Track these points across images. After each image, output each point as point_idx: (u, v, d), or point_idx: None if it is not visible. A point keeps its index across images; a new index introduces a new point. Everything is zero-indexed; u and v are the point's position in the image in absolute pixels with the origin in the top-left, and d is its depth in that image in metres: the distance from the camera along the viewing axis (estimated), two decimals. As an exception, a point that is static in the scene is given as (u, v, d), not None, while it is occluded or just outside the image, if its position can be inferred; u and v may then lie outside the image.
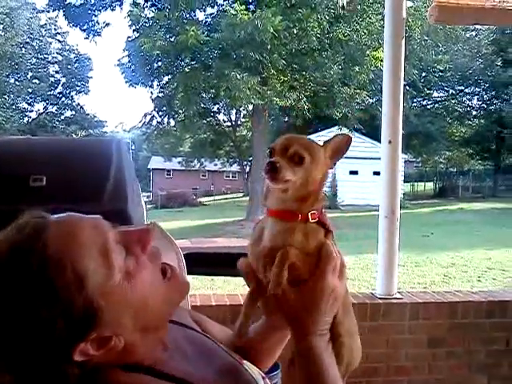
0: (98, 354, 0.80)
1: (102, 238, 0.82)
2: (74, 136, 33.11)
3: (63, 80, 36.21)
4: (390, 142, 2.91)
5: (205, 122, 25.34)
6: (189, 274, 1.53)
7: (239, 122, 31.56)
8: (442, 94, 34.87)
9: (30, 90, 33.61)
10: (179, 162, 37.57)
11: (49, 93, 35.25)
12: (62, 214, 0.85)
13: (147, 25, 19.61)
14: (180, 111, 22.08)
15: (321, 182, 0.96)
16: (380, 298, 2.86)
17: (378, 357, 2.82)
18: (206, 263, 1.92)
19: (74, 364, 0.78)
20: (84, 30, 21.89)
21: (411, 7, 17.75)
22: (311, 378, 0.91)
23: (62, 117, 37.06)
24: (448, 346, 2.90)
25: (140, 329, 0.85)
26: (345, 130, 22.51)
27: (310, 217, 0.94)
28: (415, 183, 33.31)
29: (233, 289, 7.22)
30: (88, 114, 38.17)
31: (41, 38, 33.95)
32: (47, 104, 36.28)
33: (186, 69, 20.18)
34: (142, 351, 0.86)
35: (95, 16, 21.77)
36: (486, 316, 2.91)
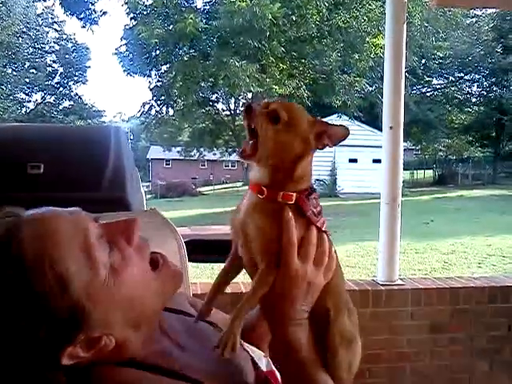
0: (89, 355, 0.76)
1: (83, 233, 0.76)
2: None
3: (61, 70, 36.01)
4: (391, 127, 2.88)
5: (203, 111, 25.25)
6: (189, 261, 1.52)
7: (238, 111, 31.39)
8: (441, 82, 34.73)
9: (27, 80, 33.42)
10: (178, 152, 37.42)
11: (46, 83, 35.06)
12: (37, 209, 0.78)
13: (145, 13, 19.50)
14: (179, 100, 22.02)
15: (298, 159, 0.89)
16: (382, 285, 2.85)
17: (380, 343, 2.82)
18: (206, 250, 1.90)
19: (63, 369, 0.74)
20: (81, 19, 21.74)
21: (411, -7, 17.60)
22: (292, 372, 0.87)
23: (60, 107, 36.91)
24: (450, 332, 2.90)
25: (132, 325, 0.81)
26: (344, 118, 22.45)
27: (279, 196, 0.88)
28: (415, 171, 33.29)
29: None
30: (86, 104, 38.03)
31: (37, 28, 33.68)
32: (45, 94, 36.09)
33: (185, 57, 20.10)
34: (136, 346, 0.82)
35: (92, 4, 21.60)
36: (488, 302, 2.91)
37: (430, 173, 34.28)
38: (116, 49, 21.54)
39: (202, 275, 7.20)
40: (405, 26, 2.89)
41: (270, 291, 0.88)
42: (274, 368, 1.02)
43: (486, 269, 8.15)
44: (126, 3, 19.51)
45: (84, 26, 22.09)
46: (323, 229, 0.92)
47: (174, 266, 0.91)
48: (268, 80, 18.14)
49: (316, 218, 0.91)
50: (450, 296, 2.88)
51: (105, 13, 22.24)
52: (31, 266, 0.70)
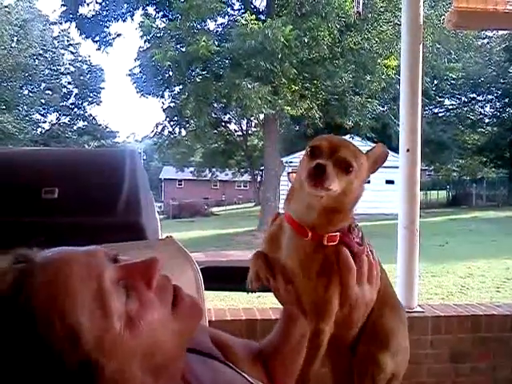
0: None
1: (97, 280, 0.70)
2: (86, 146, 33.40)
3: (76, 91, 36.60)
4: (408, 150, 2.84)
5: (216, 131, 25.40)
6: (205, 289, 1.48)
7: (250, 132, 31.56)
8: (454, 102, 34.67)
9: (43, 101, 33.98)
10: (191, 172, 37.65)
11: (61, 104, 35.61)
12: (51, 250, 0.73)
13: (158, 35, 19.76)
14: (191, 121, 22.17)
15: (357, 197, 0.86)
16: (400, 312, 2.77)
17: (399, 372, 2.73)
18: (222, 278, 1.86)
19: None
20: (96, 41, 22.14)
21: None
22: None
23: (75, 127, 37.37)
24: (472, 361, 2.80)
25: (151, 373, 0.73)
26: (357, 139, 22.42)
27: (325, 239, 0.84)
28: (428, 192, 32.99)
29: (247, 300, 7.12)
30: (100, 125, 38.48)
31: (54, 50, 34.37)
32: (60, 115, 36.63)
33: (197, 79, 20.29)
34: None
35: (107, 27, 22.03)
36: (511, 329, 2.81)
37: (443, 193, 33.95)
38: (130, 70, 21.80)
39: (215, 298, 7.12)
40: (421, 46, 2.87)
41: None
42: None
43: (504, 293, 7.95)
44: (140, 26, 19.80)
45: (99, 48, 22.51)
46: (368, 252, 0.92)
47: (189, 297, 0.83)
48: (280, 101, 18.20)
49: (361, 246, 0.90)
50: (472, 324, 2.79)
51: (119, 35, 22.73)
52: (40, 319, 0.65)
